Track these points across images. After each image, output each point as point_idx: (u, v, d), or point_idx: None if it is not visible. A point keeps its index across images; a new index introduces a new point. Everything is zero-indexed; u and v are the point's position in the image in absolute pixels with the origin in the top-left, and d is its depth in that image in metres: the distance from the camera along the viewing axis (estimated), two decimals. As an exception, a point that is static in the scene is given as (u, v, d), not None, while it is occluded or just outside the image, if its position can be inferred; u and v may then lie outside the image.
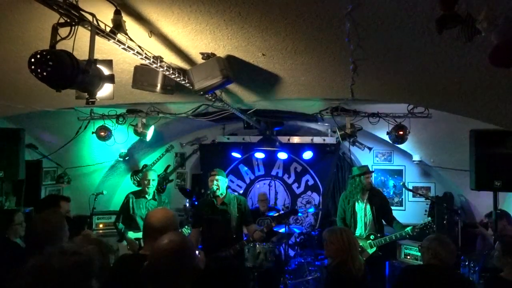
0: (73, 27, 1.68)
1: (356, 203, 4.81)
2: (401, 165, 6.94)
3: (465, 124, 4.15)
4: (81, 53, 1.86)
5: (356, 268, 2.89)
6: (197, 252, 2.33)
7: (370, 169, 4.99)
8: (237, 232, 4.14)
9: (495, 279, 2.86)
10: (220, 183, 4.18)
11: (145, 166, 7.10)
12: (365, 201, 4.81)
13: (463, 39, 1.24)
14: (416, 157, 6.11)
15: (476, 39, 1.33)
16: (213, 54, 2.63)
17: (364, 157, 7.04)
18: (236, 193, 6.60)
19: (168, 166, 7.21)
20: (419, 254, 5.36)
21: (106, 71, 2.00)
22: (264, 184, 7.06)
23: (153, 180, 4.84)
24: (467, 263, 4.46)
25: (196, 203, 5.83)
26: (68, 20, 1.66)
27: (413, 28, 2.02)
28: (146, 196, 4.83)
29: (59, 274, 1.35)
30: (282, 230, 4.98)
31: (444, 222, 5.05)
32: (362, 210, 4.80)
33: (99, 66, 1.96)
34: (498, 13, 1.16)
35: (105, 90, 1.99)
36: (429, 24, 1.89)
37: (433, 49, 2.25)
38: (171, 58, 2.76)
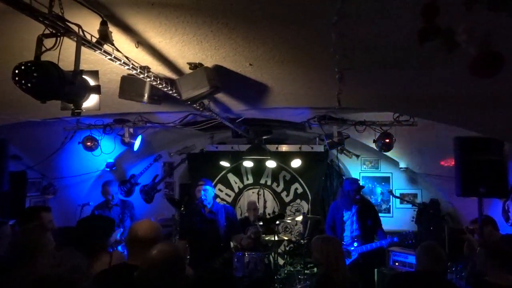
0: (58, 38, 1.67)
1: (345, 212, 4.99)
2: (388, 172, 7.02)
3: (450, 131, 4.23)
4: (67, 64, 1.85)
5: (340, 279, 2.90)
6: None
7: (355, 181, 5.14)
8: (225, 241, 4.12)
9: (481, 282, 2.90)
10: (208, 192, 4.17)
11: (132, 176, 7.03)
12: (353, 211, 4.97)
13: (443, 51, 1.28)
14: (402, 164, 6.20)
15: (457, 51, 1.36)
16: (200, 64, 2.64)
17: (352, 165, 7.10)
18: (224, 203, 6.59)
19: (156, 176, 7.15)
20: (407, 261, 5.43)
21: (92, 82, 1.99)
22: (253, 192, 7.04)
23: (116, 193, 5.31)
24: (454, 269, 4.50)
25: (184, 213, 5.79)
26: (54, 31, 1.65)
27: (397, 39, 2.07)
28: (109, 205, 5.22)
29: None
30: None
31: (431, 228, 5.12)
32: (350, 219, 4.95)
33: (85, 76, 1.95)
34: (476, 26, 1.20)
35: (91, 101, 1.98)
36: (412, 35, 1.93)
37: (417, 59, 2.30)
38: (158, 68, 2.76)
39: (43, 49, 1.67)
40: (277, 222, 5.07)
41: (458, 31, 1.23)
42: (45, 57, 1.71)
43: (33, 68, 1.49)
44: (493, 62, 1.22)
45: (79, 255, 2.43)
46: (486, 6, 1.09)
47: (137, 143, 5.11)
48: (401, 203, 6.74)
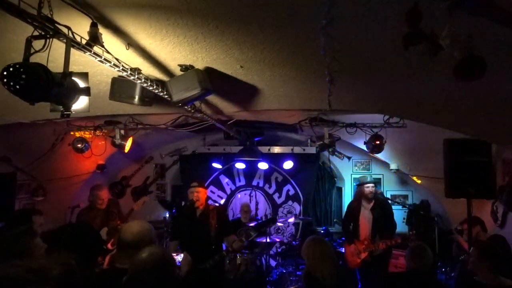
0: (47, 40, 1.66)
1: (361, 210, 5.12)
2: (379, 173, 7.07)
3: (439, 133, 4.27)
4: (58, 65, 1.84)
5: (325, 278, 2.96)
6: (180, 256, 2.27)
7: (372, 180, 5.19)
8: (216, 243, 4.11)
9: (470, 282, 2.94)
10: (200, 194, 4.16)
11: (124, 177, 6.99)
12: (369, 210, 5.06)
13: (427, 54, 1.30)
14: (393, 166, 6.24)
15: (442, 55, 1.39)
16: (191, 66, 2.65)
17: (344, 166, 7.15)
18: (216, 204, 6.58)
19: (147, 178, 7.12)
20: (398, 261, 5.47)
21: (81, 84, 1.98)
22: (245, 194, 7.05)
23: (106, 197, 5.07)
24: (443, 269, 4.56)
25: (175, 214, 5.77)
26: (43, 33, 1.64)
27: (385, 42, 2.09)
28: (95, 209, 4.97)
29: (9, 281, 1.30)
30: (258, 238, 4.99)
31: (421, 229, 5.17)
32: (366, 217, 5.06)
33: (74, 78, 1.94)
34: (460, 30, 1.23)
35: (80, 103, 1.97)
36: (400, 38, 1.96)
37: (403, 62, 2.32)
38: (149, 70, 2.76)
39: (32, 50, 1.66)
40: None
41: (442, 35, 1.25)
42: (34, 58, 1.71)
43: (21, 69, 1.49)
44: (476, 66, 1.25)
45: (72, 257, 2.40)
46: (467, 11, 1.11)
47: (128, 144, 5.09)
48: (392, 204, 6.79)
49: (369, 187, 5.06)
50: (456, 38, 1.22)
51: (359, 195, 5.20)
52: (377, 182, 5.25)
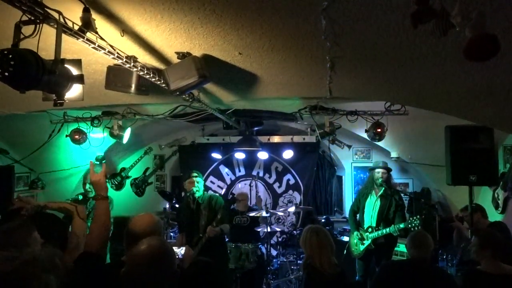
0: (37, 25, 1.59)
1: (369, 197, 4.97)
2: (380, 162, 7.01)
3: (441, 120, 4.22)
4: (51, 53, 1.77)
5: (324, 267, 2.95)
6: (182, 250, 2.23)
7: (384, 166, 4.96)
8: (205, 231, 4.09)
9: (474, 272, 2.91)
10: (199, 185, 4.15)
11: (123, 169, 6.95)
12: (377, 196, 4.91)
13: (437, 33, 1.24)
14: (394, 154, 6.20)
15: (450, 37, 1.33)
16: (188, 54, 2.58)
17: (344, 155, 7.11)
18: (217, 194, 6.55)
19: (147, 169, 7.09)
20: (398, 250, 5.47)
21: (74, 71, 1.92)
22: (245, 184, 7.03)
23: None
24: (444, 257, 4.55)
25: (176, 205, 5.76)
26: (32, 18, 1.57)
27: (388, 25, 2.03)
28: None
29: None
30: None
31: (422, 217, 5.13)
32: (372, 204, 4.91)
33: (67, 66, 1.87)
34: (471, 8, 1.16)
35: (74, 91, 1.90)
36: (404, 21, 1.89)
37: (408, 46, 2.26)
38: (145, 58, 2.69)
39: (22, 36, 1.59)
40: (268, 214, 5.03)
41: (453, 13, 1.19)
42: (26, 46, 1.64)
43: (10, 56, 1.42)
44: (488, 45, 1.19)
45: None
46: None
47: (126, 135, 5.03)
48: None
49: (379, 172, 4.88)
50: (467, 15, 1.16)
51: (369, 180, 5.06)
52: (389, 169, 5.00)
